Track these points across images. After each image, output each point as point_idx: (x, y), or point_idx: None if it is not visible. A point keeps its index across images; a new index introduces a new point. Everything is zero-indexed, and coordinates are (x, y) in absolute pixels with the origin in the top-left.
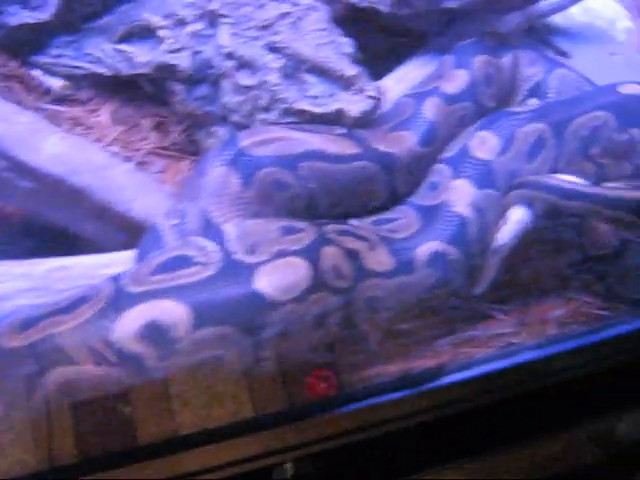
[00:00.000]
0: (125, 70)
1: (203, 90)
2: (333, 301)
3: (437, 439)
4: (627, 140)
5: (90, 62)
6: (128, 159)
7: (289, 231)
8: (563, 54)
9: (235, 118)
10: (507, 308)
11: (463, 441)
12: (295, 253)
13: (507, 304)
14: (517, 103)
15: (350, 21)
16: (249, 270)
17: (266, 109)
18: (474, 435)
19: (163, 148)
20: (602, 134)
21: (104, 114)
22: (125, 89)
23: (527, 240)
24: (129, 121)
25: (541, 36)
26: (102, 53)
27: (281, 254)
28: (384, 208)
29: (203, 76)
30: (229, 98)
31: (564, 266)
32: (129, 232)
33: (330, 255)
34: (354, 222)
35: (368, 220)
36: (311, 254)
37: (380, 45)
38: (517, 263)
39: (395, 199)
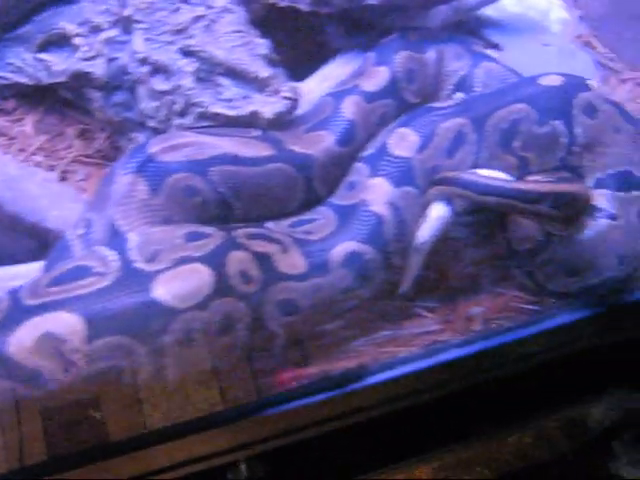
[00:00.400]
0: (45, 79)
1: (120, 97)
2: (240, 306)
3: (370, 440)
4: (548, 132)
5: (12, 72)
6: (51, 168)
7: (195, 237)
8: (495, 46)
9: (152, 124)
10: (433, 306)
11: (393, 442)
12: (198, 259)
13: (433, 302)
14: (443, 98)
15: (272, 21)
16: (148, 278)
17: (181, 114)
18: (405, 434)
19: (87, 156)
20: (523, 127)
21: (28, 124)
22: (48, 98)
23: (449, 236)
24: (53, 130)
25: (473, 29)
26: (23, 63)
27: (183, 261)
28: (303, 209)
29: (119, 83)
30: (145, 104)
31: (490, 261)
32: (43, 243)
33: (237, 260)
34: (270, 225)
35: (285, 222)
36: (215, 260)
37: (306, 44)
38: (441, 260)
39: (315, 200)
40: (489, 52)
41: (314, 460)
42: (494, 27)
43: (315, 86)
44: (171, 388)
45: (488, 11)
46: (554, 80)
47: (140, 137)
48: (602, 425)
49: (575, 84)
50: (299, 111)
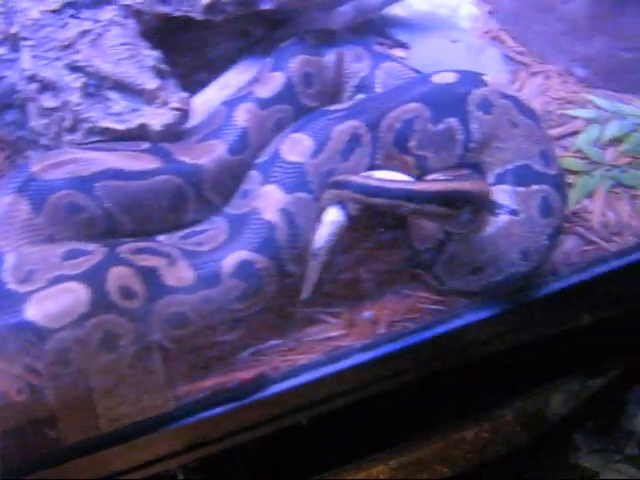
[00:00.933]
0: None
1: (12, 115)
2: (122, 323)
3: (296, 447)
4: (443, 130)
5: None
6: None
7: (74, 255)
8: (402, 45)
9: (44, 141)
10: (337, 311)
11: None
12: (73, 277)
13: (337, 307)
14: (345, 100)
15: (168, 32)
16: (21, 300)
17: (71, 130)
18: (309, 445)
19: None
20: (417, 126)
21: None
22: None
23: (349, 240)
24: None
25: (380, 29)
26: None
27: (57, 280)
28: (198, 220)
29: (10, 101)
30: (35, 122)
31: (394, 263)
32: None
33: (118, 276)
34: (162, 238)
35: (178, 235)
36: (94, 277)
37: (205, 53)
38: (343, 264)
39: (209, 210)
40: (396, 52)
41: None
42: (401, 26)
43: (214, 95)
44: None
45: (396, 10)
46: (448, 77)
47: (34, 155)
48: (560, 415)
49: (470, 80)
50: (193, 122)
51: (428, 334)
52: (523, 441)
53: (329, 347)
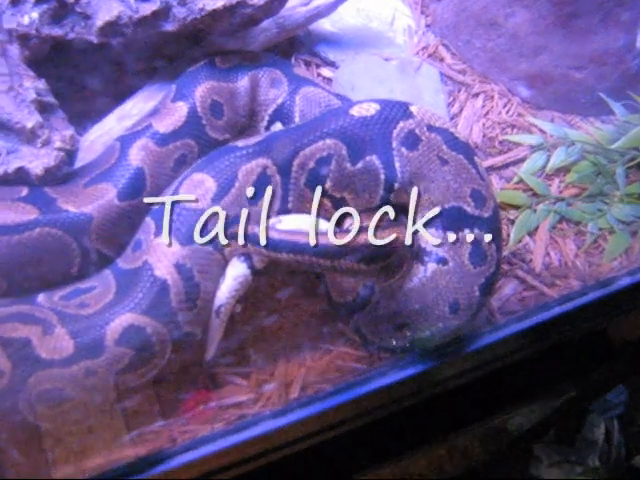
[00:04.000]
0: None
1: None
2: None
3: None
4: (363, 169)
5: None
6: None
7: None
8: (330, 64)
9: None
10: (246, 371)
11: None
12: None
13: (246, 367)
14: (261, 131)
15: (60, 57)
16: None
17: None
18: None
19: None
20: (333, 165)
21: None
22: None
23: (258, 291)
24: None
25: (306, 46)
26: None
27: None
28: (87, 274)
29: None
30: None
31: (311, 316)
32: None
33: None
34: (40, 298)
35: (59, 294)
36: None
37: (103, 79)
38: (252, 319)
39: (99, 263)
40: (324, 71)
41: None
42: (330, 42)
43: (113, 126)
44: None
45: (325, 24)
46: (369, 109)
47: None
48: (522, 428)
49: (393, 112)
50: (86, 158)
51: (347, 396)
52: (482, 456)
53: (235, 415)
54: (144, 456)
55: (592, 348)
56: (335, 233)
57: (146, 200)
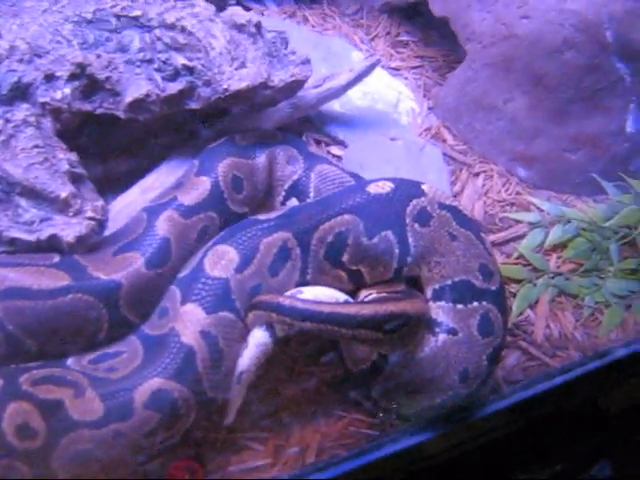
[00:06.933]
0: None
1: None
2: (18, 467)
3: None
4: (377, 243)
5: None
6: None
7: None
8: (340, 143)
9: None
10: (263, 436)
11: None
12: None
13: (263, 432)
14: (276, 205)
15: (88, 130)
16: None
17: None
18: None
19: None
20: (350, 239)
21: None
22: None
23: (277, 360)
24: None
25: (316, 126)
26: None
27: None
28: (113, 339)
29: None
30: None
31: (326, 385)
32: None
33: (17, 412)
34: (70, 362)
35: (88, 358)
36: None
37: (129, 152)
38: (270, 386)
39: (126, 328)
40: (334, 149)
41: None
42: (339, 122)
43: (137, 197)
44: None
45: (334, 105)
46: (384, 187)
47: None
48: None
49: (407, 190)
50: (111, 227)
51: (362, 460)
52: None
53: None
54: None
55: (583, 418)
56: (355, 304)
57: None
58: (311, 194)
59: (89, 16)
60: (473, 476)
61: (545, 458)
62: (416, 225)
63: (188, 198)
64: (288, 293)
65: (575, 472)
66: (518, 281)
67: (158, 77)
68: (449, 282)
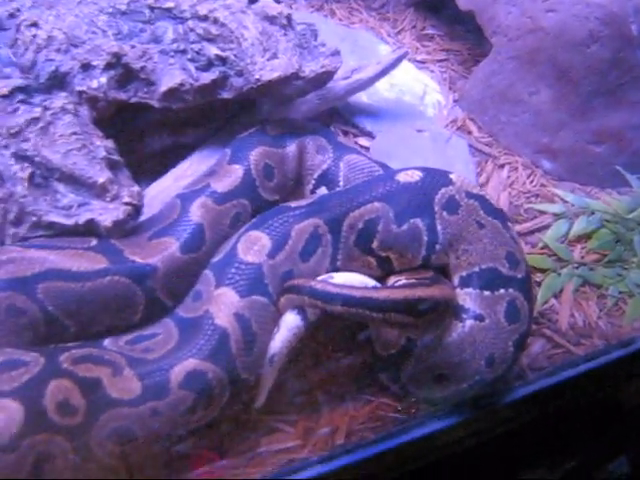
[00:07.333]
0: None
1: None
2: (59, 442)
3: None
4: (408, 231)
5: None
6: None
7: (10, 366)
8: (367, 134)
9: None
10: (293, 419)
11: None
12: (8, 394)
13: (293, 414)
14: (306, 193)
15: (123, 119)
16: None
17: (16, 223)
18: None
19: None
20: (380, 226)
21: None
22: None
23: (307, 345)
24: None
25: (344, 117)
26: None
27: None
28: (148, 321)
29: None
30: None
31: (355, 369)
32: None
33: (58, 389)
34: (107, 342)
35: (124, 338)
36: (30, 392)
37: (162, 140)
38: (300, 369)
39: (160, 310)
40: (361, 140)
41: None
42: (367, 114)
43: (170, 185)
44: None
45: (362, 97)
46: (412, 176)
47: None
48: None
49: (436, 179)
50: (147, 214)
51: (390, 444)
52: None
53: (284, 459)
54: None
55: (602, 411)
56: (385, 288)
57: None
58: (340, 183)
59: (123, 7)
60: (496, 463)
61: (565, 450)
62: (444, 213)
63: (221, 185)
64: (319, 278)
65: (592, 467)
66: (543, 270)
67: (192, 67)
68: (476, 269)
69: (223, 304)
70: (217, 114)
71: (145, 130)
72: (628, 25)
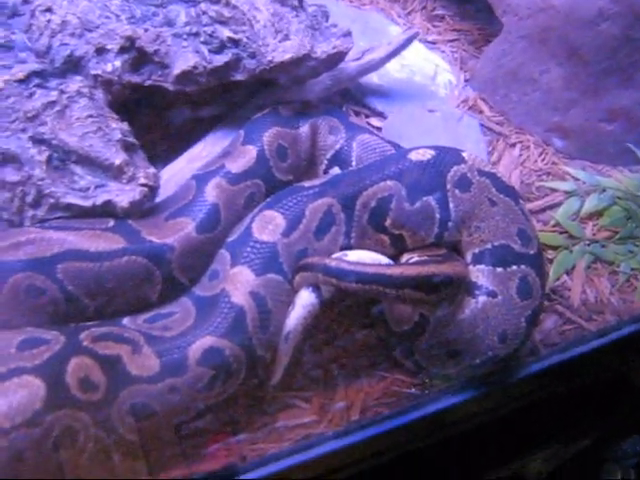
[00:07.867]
0: None
1: None
2: (82, 417)
3: None
4: (420, 209)
5: None
6: None
7: (31, 344)
8: (379, 114)
9: (6, 216)
10: (309, 395)
11: None
12: (30, 370)
13: (309, 391)
14: (319, 173)
15: (138, 102)
16: None
17: (34, 205)
18: None
19: None
20: (393, 204)
21: None
22: None
23: (322, 321)
24: None
25: (355, 97)
26: None
27: (12, 373)
28: (165, 300)
29: None
30: None
31: (369, 345)
32: None
33: (79, 366)
34: (125, 321)
35: (142, 317)
36: (52, 369)
37: (176, 123)
38: (315, 346)
39: (178, 289)
40: (373, 120)
41: None
42: (378, 94)
43: (184, 167)
44: None
45: (373, 78)
46: (425, 154)
47: None
48: (541, 476)
49: (448, 157)
50: (162, 196)
51: (404, 419)
52: None
53: (300, 435)
54: (217, 470)
55: (613, 391)
56: (399, 265)
57: None
58: (353, 163)
59: None
60: (509, 439)
61: (578, 427)
62: (457, 191)
63: (235, 166)
64: (333, 256)
65: (605, 445)
66: (555, 248)
67: (205, 49)
68: (489, 246)
69: (239, 282)
70: (231, 96)
71: (159, 113)
72: (638, 2)
